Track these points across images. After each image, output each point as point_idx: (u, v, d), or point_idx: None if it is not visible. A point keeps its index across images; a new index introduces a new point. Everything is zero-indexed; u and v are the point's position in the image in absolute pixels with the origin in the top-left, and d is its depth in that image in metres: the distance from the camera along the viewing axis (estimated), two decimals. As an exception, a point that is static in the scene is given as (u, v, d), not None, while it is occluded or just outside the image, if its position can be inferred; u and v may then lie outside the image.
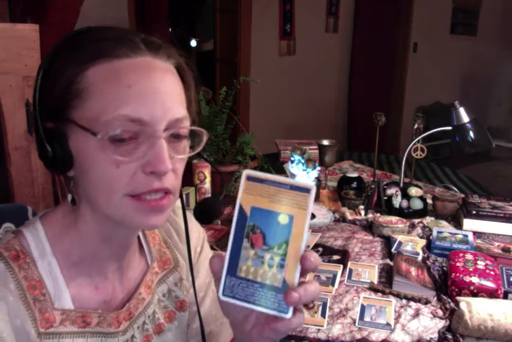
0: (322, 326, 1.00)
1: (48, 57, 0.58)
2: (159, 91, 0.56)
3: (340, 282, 1.19)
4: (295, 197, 0.46)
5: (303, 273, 0.47)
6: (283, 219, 0.46)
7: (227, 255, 0.48)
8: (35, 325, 0.58)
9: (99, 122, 0.54)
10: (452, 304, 1.07)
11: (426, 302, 1.08)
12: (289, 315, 0.46)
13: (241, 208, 0.47)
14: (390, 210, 1.63)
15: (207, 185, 1.59)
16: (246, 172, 0.48)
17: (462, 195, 1.67)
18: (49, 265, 0.60)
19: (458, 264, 1.16)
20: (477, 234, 1.41)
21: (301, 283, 0.47)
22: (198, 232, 0.83)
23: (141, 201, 0.56)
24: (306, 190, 0.46)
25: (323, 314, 1.04)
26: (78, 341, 0.61)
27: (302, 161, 1.74)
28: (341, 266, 1.25)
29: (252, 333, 0.51)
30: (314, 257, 0.46)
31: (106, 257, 0.65)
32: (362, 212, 1.63)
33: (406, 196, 1.64)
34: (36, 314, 0.58)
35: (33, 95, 0.58)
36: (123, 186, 0.55)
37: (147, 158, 0.55)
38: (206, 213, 0.69)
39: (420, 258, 1.29)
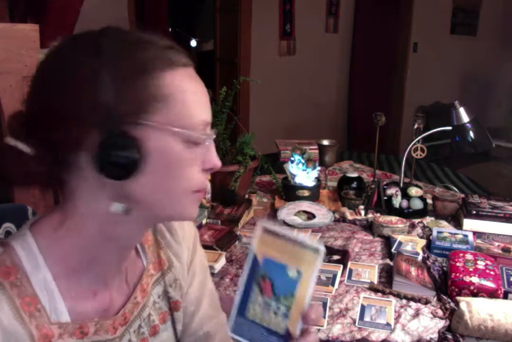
0: (322, 326, 1.00)
1: (105, 57, 0.56)
2: (208, 98, 0.63)
3: (340, 282, 1.19)
4: (305, 255, 0.50)
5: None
6: (292, 273, 0.51)
7: (238, 295, 0.53)
8: None
9: (183, 126, 0.58)
10: (452, 304, 1.07)
11: (426, 302, 1.08)
12: None
13: (255, 257, 0.53)
14: (390, 210, 1.63)
15: (207, 184, 1.59)
16: (262, 225, 0.54)
17: (462, 195, 1.67)
18: (43, 279, 0.58)
19: (458, 264, 1.16)
20: (477, 234, 1.41)
21: (303, 332, 0.52)
22: (189, 230, 0.83)
23: (197, 195, 0.63)
24: (316, 250, 0.50)
25: (323, 314, 1.04)
26: None
27: (302, 161, 1.74)
28: (341, 266, 1.25)
29: None
30: (317, 315, 0.52)
31: (107, 259, 0.64)
32: (362, 212, 1.63)
33: (406, 196, 1.64)
34: (33, 331, 0.57)
35: (97, 101, 0.54)
36: (193, 183, 0.61)
37: (207, 157, 0.62)
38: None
39: (420, 258, 1.29)
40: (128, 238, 0.65)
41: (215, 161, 0.63)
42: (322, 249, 0.50)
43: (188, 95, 0.59)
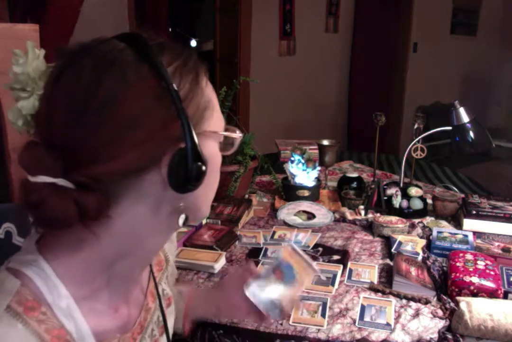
0: (322, 326, 1.00)
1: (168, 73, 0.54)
2: None
3: (340, 282, 1.19)
4: (307, 269, 0.84)
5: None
6: (296, 274, 0.83)
7: (262, 273, 0.84)
8: None
9: (221, 128, 0.62)
10: (452, 304, 1.07)
11: (426, 302, 1.08)
12: (275, 319, 0.94)
13: (282, 260, 0.84)
14: (390, 210, 1.63)
15: (207, 185, 1.59)
16: (291, 245, 0.86)
17: (462, 195, 1.67)
18: (67, 308, 0.55)
19: (458, 264, 1.16)
20: (477, 234, 1.41)
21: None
22: None
23: None
24: (314, 270, 0.84)
25: (323, 314, 1.04)
26: None
27: (302, 161, 1.74)
28: (341, 266, 1.25)
29: (237, 314, 0.89)
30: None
31: (132, 273, 0.64)
32: (362, 212, 1.63)
33: (406, 196, 1.64)
34: None
35: (180, 115, 0.52)
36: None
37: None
38: None
39: (420, 258, 1.29)
40: (156, 249, 0.65)
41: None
42: (318, 271, 0.84)
43: (216, 99, 0.62)
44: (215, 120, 0.60)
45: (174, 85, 0.52)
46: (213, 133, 0.59)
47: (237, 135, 0.64)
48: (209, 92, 0.60)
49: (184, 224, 0.59)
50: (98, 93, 0.50)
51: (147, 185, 0.54)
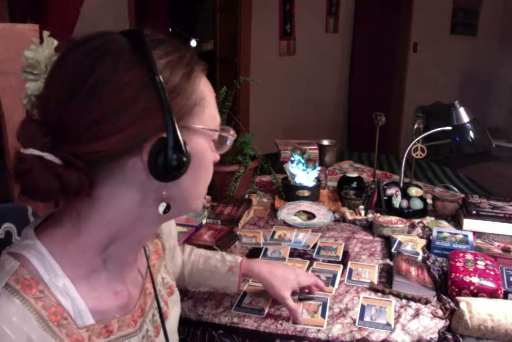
0: (322, 326, 1.00)
1: (154, 69, 0.56)
2: None
3: (340, 282, 1.19)
4: None
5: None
6: None
7: None
8: None
9: (213, 126, 0.63)
10: (452, 304, 1.07)
11: (426, 302, 1.08)
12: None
13: None
14: (390, 210, 1.63)
15: (207, 185, 1.59)
16: None
17: (462, 195, 1.67)
18: (64, 286, 0.59)
19: (458, 264, 1.16)
20: (477, 234, 1.41)
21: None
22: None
23: None
24: None
25: (323, 314, 1.04)
26: None
27: (302, 161, 1.74)
28: (341, 266, 1.25)
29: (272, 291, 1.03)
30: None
31: (125, 257, 0.66)
32: (362, 212, 1.63)
33: (406, 196, 1.64)
34: (64, 339, 0.57)
35: (165, 107, 0.55)
36: (210, 178, 0.67)
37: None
38: None
39: (420, 258, 1.29)
40: (147, 235, 0.68)
41: (217, 156, 0.68)
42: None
43: (211, 98, 0.64)
44: (206, 118, 0.62)
45: (161, 77, 0.55)
46: (201, 129, 0.61)
47: (229, 134, 0.66)
48: (203, 90, 0.62)
49: (165, 212, 0.61)
50: (90, 78, 0.54)
51: (130, 170, 0.58)
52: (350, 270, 1.24)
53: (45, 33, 0.83)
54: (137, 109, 0.55)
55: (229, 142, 0.68)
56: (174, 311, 0.81)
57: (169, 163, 0.56)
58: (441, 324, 1.02)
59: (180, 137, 0.56)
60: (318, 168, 1.76)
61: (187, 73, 0.60)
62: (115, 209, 0.60)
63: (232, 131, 0.67)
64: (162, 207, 0.60)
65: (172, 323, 0.80)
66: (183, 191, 0.62)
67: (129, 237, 0.63)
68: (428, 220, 1.60)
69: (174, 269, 0.98)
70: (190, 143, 0.59)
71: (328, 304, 1.08)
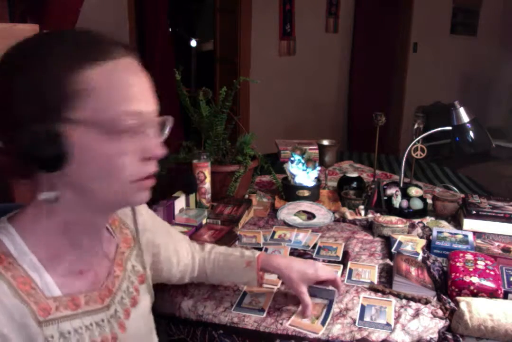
0: (317, 333, 0.97)
1: (22, 59, 0.61)
2: (147, 86, 0.65)
3: (340, 282, 1.19)
4: None
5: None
6: None
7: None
8: (34, 316, 0.61)
9: (105, 119, 0.60)
10: (452, 304, 1.07)
11: (426, 302, 1.08)
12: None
13: None
14: (390, 210, 1.63)
15: (207, 185, 1.59)
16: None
17: (462, 195, 1.67)
18: (30, 261, 0.63)
19: (458, 264, 1.16)
20: (477, 234, 1.41)
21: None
22: (145, 209, 0.95)
23: (139, 183, 0.65)
24: None
25: (323, 322, 1.01)
26: (75, 322, 0.66)
27: (302, 161, 1.74)
28: (341, 266, 1.25)
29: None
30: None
31: (82, 243, 0.70)
32: (362, 212, 1.63)
33: (406, 196, 1.64)
34: (33, 306, 0.61)
35: (8, 98, 0.59)
36: (129, 173, 0.63)
37: (146, 146, 0.64)
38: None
39: (420, 258, 1.29)
40: (93, 223, 0.71)
41: (155, 151, 0.65)
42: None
43: (110, 88, 0.60)
44: (95, 109, 0.59)
45: (18, 75, 0.59)
46: (84, 121, 0.59)
47: (126, 126, 0.61)
48: (91, 81, 0.59)
49: (55, 201, 0.63)
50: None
51: None
52: (350, 270, 1.24)
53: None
54: (9, 104, 0.59)
55: (145, 131, 0.64)
56: (145, 298, 0.85)
57: (39, 155, 0.58)
58: (441, 324, 1.02)
59: (48, 130, 0.58)
60: (318, 168, 1.76)
61: (55, 64, 0.59)
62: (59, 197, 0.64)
63: (148, 120, 0.64)
64: (43, 195, 0.63)
65: (143, 309, 0.83)
66: (87, 182, 0.63)
67: (78, 222, 0.67)
68: (428, 220, 1.60)
69: (170, 267, 1.02)
70: (71, 135, 0.59)
71: (334, 306, 1.06)
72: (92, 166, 0.61)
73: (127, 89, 0.62)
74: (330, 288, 1.09)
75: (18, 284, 0.61)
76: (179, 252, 1.04)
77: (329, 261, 1.29)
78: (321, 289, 1.09)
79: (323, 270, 1.06)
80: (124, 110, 0.61)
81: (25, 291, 0.61)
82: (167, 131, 0.69)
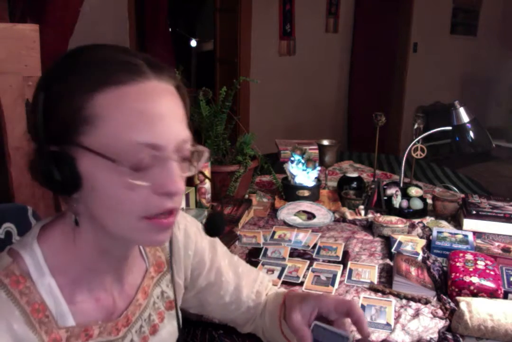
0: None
1: (48, 79, 0.58)
2: (167, 115, 0.58)
3: (340, 282, 1.19)
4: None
5: None
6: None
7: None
8: None
9: (113, 149, 0.55)
10: (452, 304, 1.07)
11: (426, 302, 1.08)
12: None
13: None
14: (390, 210, 1.63)
15: (207, 185, 1.59)
16: (315, 323, 0.75)
17: (462, 195, 1.67)
18: (49, 286, 0.61)
19: (458, 264, 1.16)
20: (477, 234, 1.41)
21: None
22: (196, 225, 0.87)
23: (153, 221, 0.58)
24: (348, 339, 0.75)
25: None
26: None
27: (302, 161, 1.74)
28: (341, 266, 1.25)
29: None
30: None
31: (104, 270, 0.67)
32: (362, 212, 1.63)
33: (406, 196, 1.64)
34: (43, 336, 0.59)
35: (34, 118, 0.57)
36: (137, 208, 0.57)
37: (159, 180, 0.57)
38: (215, 227, 0.73)
39: (420, 258, 1.29)
40: (114, 252, 0.66)
41: (169, 187, 0.57)
42: (350, 338, 0.74)
43: (120, 115, 0.55)
44: (101, 139, 0.55)
45: (42, 94, 0.57)
46: (88, 149, 0.55)
47: (136, 163, 0.56)
48: (100, 108, 0.55)
49: (77, 224, 0.61)
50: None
51: None
52: (350, 270, 1.24)
53: None
54: (33, 123, 0.59)
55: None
56: (170, 325, 0.79)
57: (50, 176, 0.56)
58: (441, 324, 1.02)
59: (48, 152, 0.56)
60: (318, 168, 1.76)
61: (68, 88, 0.56)
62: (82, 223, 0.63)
63: (164, 154, 0.57)
64: (72, 217, 0.61)
65: (164, 336, 0.77)
66: (89, 208, 0.59)
67: (100, 249, 0.64)
68: (428, 220, 1.60)
69: (218, 301, 0.90)
70: (80, 161, 0.56)
71: None
72: (100, 195, 0.57)
73: (137, 118, 0.55)
74: (345, 332, 0.76)
75: (32, 311, 0.59)
76: (241, 291, 0.91)
77: (329, 261, 1.29)
78: (331, 332, 0.76)
79: (329, 299, 0.77)
80: (135, 141, 0.55)
81: (38, 319, 0.59)
82: (200, 165, 0.62)
